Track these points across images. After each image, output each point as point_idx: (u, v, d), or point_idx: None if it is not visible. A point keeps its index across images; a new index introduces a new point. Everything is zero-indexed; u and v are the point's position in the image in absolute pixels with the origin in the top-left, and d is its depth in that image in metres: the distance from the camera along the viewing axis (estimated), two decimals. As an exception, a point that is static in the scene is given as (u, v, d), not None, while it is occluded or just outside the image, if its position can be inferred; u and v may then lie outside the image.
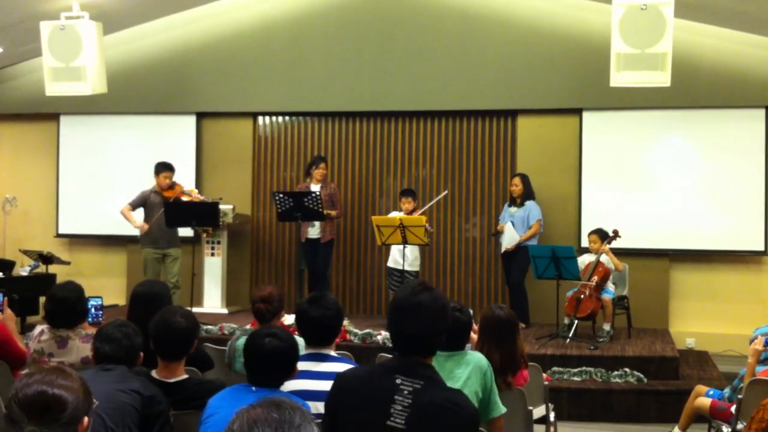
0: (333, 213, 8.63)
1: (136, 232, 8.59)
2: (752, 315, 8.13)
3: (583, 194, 8.87)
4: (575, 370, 6.85)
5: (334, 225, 8.84)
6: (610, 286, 7.80)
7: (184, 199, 8.37)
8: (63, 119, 10.09)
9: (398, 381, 2.47)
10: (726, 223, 8.58)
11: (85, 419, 1.94)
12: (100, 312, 4.80)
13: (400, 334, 2.56)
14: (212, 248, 9.16)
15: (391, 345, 2.67)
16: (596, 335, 7.68)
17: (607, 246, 7.74)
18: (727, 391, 5.19)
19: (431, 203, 8.29)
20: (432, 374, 2.54)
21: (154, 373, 3.40)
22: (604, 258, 7.71)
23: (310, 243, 8.68)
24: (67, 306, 4.14)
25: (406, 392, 2.45)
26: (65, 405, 1.89)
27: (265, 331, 3.20)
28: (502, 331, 4.02)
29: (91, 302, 4.63)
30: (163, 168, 8.43)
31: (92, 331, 3.94)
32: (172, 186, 8.41)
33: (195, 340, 3.50)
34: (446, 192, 8.80)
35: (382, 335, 7.27)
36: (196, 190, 8.90)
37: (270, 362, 3.06)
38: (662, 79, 6.90)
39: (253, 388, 3.04)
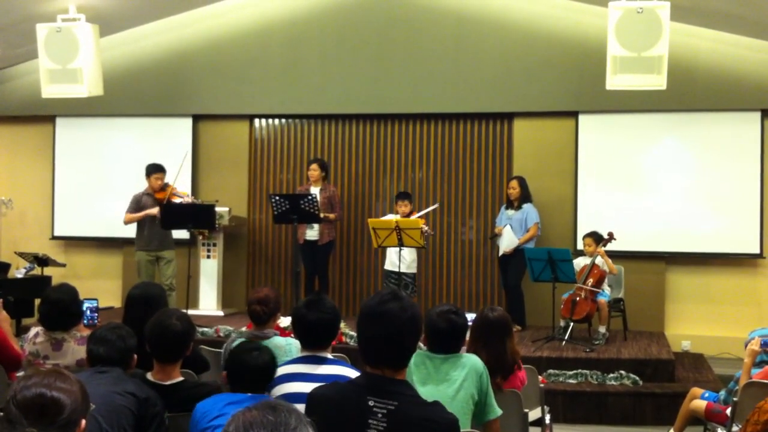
0: (331, 216, 8.63)
1: (132, 234, 8.58)
2: (748, 318, 8.15)
3: (579, 197, 8.88)
4: (571, 372, 6.85)
5: (333, 227, 8.83)
6: (606, 289, 7.82)
7: (176, 200, 8.37)
8: (59, 121, 10.08)
9: (371, 403, 2.38)
10: (722, 225, 8.58)
11: (82, 422, 1.95)
12: (96, 314, 4.78)
13: (368, 342, 2.47)
14: (208, 250, 9.15)
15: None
16: (592, 338, 7.68)
17: (602, 249, 7.74)
18: (722, 393, 5.19)
19: (421, 213, 8.21)
20: (404, 390, 2.43)
21: (149, 376, 3.41)
22: (599, 260, 7.72)
23: (308, 245, 8.67)
24: (61, 308, 4.14)
25: (380, 415, 2.37)
26: (63, 407, 1.90)
27: (248, 345, 3.45)
28: (489, 333, 4.01)
29: (87, 304, 4.61)
30: (155, 170, 8.42)
31: (87, 333, 3.93)
32: (164, 187, 8.40)
33: (191, 343, 3.51)
34: (437, 205, 8.75)
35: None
36: (188, 192, 8.90)
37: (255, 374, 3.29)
38: (658, 82, 6.91)
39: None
